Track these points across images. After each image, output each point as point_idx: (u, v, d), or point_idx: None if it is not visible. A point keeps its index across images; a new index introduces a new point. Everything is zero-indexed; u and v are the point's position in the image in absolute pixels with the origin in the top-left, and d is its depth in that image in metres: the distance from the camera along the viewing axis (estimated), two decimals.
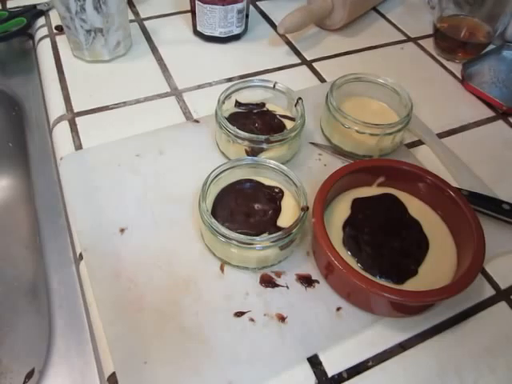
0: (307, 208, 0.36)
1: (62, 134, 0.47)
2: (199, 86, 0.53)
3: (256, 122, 0.45)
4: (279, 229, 0.36)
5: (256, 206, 0.38)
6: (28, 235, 0.58)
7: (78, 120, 0.48)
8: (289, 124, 0.45)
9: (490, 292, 0.37)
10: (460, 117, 0.52)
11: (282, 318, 0.34)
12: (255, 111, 0.46)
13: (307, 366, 0.32)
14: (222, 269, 0.37)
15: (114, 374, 0.31)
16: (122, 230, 0.39)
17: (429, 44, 0.63)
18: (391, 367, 0.33)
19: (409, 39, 0.64)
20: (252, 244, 0.34)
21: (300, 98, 0.44)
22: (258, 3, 0.68)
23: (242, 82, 0.46)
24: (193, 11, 0.57)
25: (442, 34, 0.59)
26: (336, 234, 0.37)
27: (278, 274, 0.37)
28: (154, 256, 0.37)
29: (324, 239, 0.34)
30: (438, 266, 0.36)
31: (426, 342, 0.34)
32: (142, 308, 0.34)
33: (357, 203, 0.39)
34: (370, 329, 0.34)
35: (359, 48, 0.61)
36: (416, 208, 0.39)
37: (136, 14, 0.64)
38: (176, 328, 0.33)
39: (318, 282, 0.37)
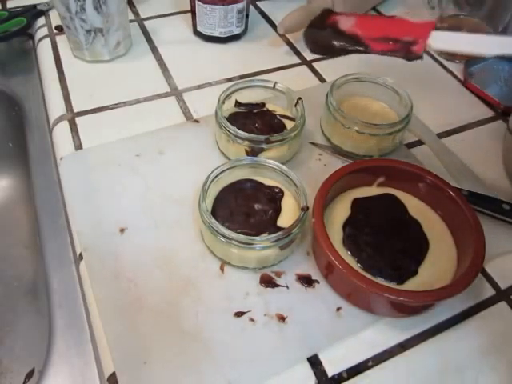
0: (307, 208, 0.36)
1: (62, 134, 0.47)
2: (199, 86, 0.53)
3: (256, 122, 0.45)
4: (279, 229, 0.36)
5: (256, 206, 0.38)
6: (28, 235, 0.58)
7: (78, 120, 0.48)
8: (289, 124, 0.45)
9: (490, 292, 0.37)
10: (460, 117, 0.52)
11: (282, 318, 0.34)
12: (255, 111, 0.46)
13: (307, 365, 0.33)
14: (221, 269, 0.37)
15: (113, 374, 0.31)
16: (122, 230, 0.39)
17: None
18: (391, 367, 0.33)
19: None
20: (252, 244, 0.34)
21: (300, 98, 0.44)
22: (257, 3, 0.68)
23: (242, 82, 0.46)
24: (193, 11, 0.57)
25: None
26: (336, 234, 0.37)
27: (278, 274, 0.37)
28: (153, 256, 0.37)
29: (324, 239, 0.34)
30: (437, 265, 0.36)
31: (426, 341, 0.34)
32: (142, 308, 0.34)
33: (357, 203, 0.39)
34: (369, 329, 0.34)
35: None
36: (416, 208, 0.39)
37: (136, 14, 0.64)
38: (176, 328, 0.33)
39: (318, 281, 0.37)
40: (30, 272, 0.54)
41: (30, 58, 0.61)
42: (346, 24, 0.37)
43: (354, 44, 0.36)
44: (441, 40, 0.34)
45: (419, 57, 0.34)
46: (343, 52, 0.38)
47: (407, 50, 0.34)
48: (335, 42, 0.38)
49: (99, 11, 0.50)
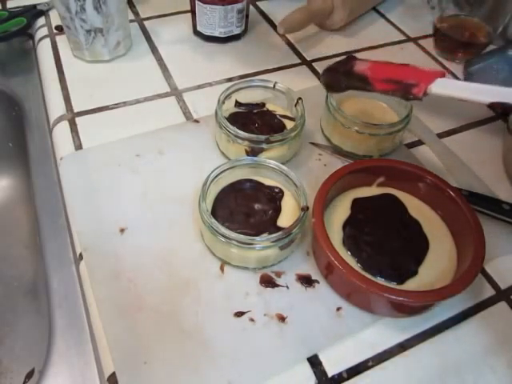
0: (307, 208, 0.36)
1: (62, 134, 0.47)
2: (199, 86, 0.53)
3: (256, 122, 0.45)
4: (279, 229, 0.36)
5: (256, 206, 0.38)
6: (28, 235, 0.58)
7: (77, 120, 0.48)
8: (289, 124, 0.45)
9: (490, 292, 0.37)
10: (460, 117, 0.52)
11: (282, 318, 0.34)
12: (255, 111, 0.46)
13: (307, 365, 0.33)
14: (221, 269, 0.37)
15: (113, 374, 0.31)
16: (122, 230, 0.39)
17: (429, 44, 0.63)
18: (391, 367, 0.33)
19: (409, 39, 0.64)
20: (252, 244, 0.34)
21: (300, 98, 0.44)
22: (257, 3, 0.68)
23: (242, 82, 0.46)
24: (193, 11, 0.57)
25: (442, 33, 0.59)
26: (336, 234, 0.37)
27: (278, 274, 0.37)
28: (153, 256, 0.37)
29: (324, 239, 0.34)
30: (438, 265, 0.36)
31: (426, 341, 0.34)
32: (142, 308, 0.34)
33: (357, 203, 0.39)
34: (369, 329, 0.34)
35: (359, 48, 0.61)
36: (416, 208, 0.39)
37: (136, 14, 0.64)
38: (176, 328, 0.33)
39: (318, 282, 0.37)
40: (30, 272, 0.54)
41: (30, 58, 0.61)
42: (359, 67, 0.40)
43: (361, 83, 0.38)
44: (442, 86, 0.34)
45: (418, 98, 0.35)
46: (349, 88, 0.40)
47: (407, 91, 0.35)
48: (343, 80, 0.40)
49: (99, 11, 0.50)
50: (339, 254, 0.33)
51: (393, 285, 0.34)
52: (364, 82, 0.38)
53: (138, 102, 0.51)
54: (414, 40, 0.64)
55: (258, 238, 0.34)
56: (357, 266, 0.35)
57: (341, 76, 0.40)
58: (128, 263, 0.37)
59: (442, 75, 0.35)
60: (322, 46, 0.61)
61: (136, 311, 0.34)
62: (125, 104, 0.50)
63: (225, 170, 0.39)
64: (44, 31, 0.60)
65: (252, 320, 0.34)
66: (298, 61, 0.58)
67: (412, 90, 0.35)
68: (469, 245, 0.34)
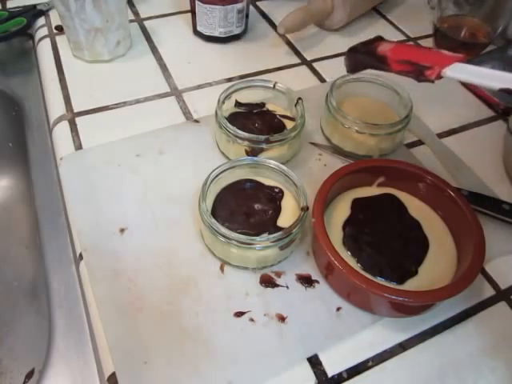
0: (307, 208, 0.36)
1: (61, 134, 0.47)
2: (199, 86, 0.53)
3: (256, 122, 0.45)
4: (279, 229, 0.36)
5: (256, 206, 0.38)
6: (28, 235, 0.58)
7: (77, 120, 0.48)
8: (289, 124, 0.45)
9: (489, 292, 0.37)
10: (460, 117, 0.52)
11: (282, 318, 0.34)
12: (255, 111, 0.47)
13: (307, 365, 0.33)
14: (221, 269, 0.37)
15: (113, 374, 0.31)
16: (122, 230, 0.39)
17: (429, 44, 0.63)
18: (391, 367, 0.33)
19: (409, 39, 0.64)
20: (252, 244, 0.34)
21: (300, 98, 0.44)
22: (257, 3, 0.68)
23: (242, 82, 0.46)
24: (193, 11, 0.57)
25: (442, 33, 0.59)
26: (336, 234, 0.37)
27: (278, 274, 0.37)
28: (153, 256, 0.37)
29: (324, 239, 0.34)
30: (437, 265, 0.36)
31: (425, 342, 0.34)
32: (142, 308, 0.34)
33: (357, 203, 0.39)
34: (370, 329, 0.34)
35: None
36: (416, 208, 0.39)
37: (136, 14, 0.64)
38: (176, 328, 0.33)
39: (318, 282, 0.37)
40: (30, 272, 0.54)
41: (29, 58, 0.61)
42: (382, 48, 0.40)
43: (379, 63, 0.39)
44: (456, 70, 0.35)
45: (430, 80, 0.36)
46: (367, 68, 0.41)
47: (420, 73, 0.36)
48: (363, 59, 0.41)
49: (99, 10, 0.50)
50: (339, 254, 0.33)
51: (393, 285, 0.34)
52: (382, 63, 0.38)
53: (137, 101, 0.51)
54: (414, 40, 0.64)
55: (258, 238, 0.34)
56: (357, 266, 0.35)
57: (362, 55, 0.40)
58: (128, 263, 0.37)
59: (462, 60, 0.35)
60: (322, 45, 0.61)
61: (136, 311, 0.34)
62: (125, 104, 0.50)
63: (225, 170, 0.39)
64: (44, 31, 0.60)
65: (252, 320, 0.34)
66: (298, 61, 0.58)
67: (425, 72, 0.36)
68: (469, 245, 0.34)
